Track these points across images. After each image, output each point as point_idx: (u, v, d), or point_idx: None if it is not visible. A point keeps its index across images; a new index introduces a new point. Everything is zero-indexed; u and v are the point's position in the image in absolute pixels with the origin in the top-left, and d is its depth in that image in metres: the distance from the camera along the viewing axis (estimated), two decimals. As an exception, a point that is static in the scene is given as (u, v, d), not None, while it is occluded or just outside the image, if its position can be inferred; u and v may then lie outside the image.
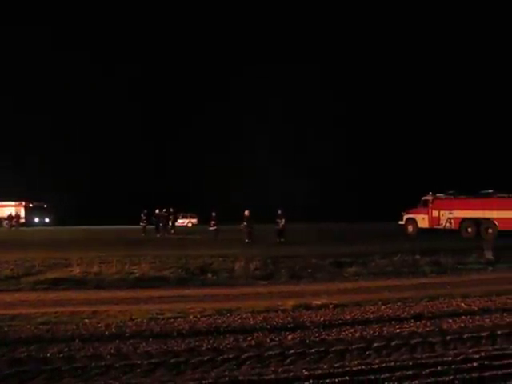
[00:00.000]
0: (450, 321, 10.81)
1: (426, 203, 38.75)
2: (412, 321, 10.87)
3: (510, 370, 7.45)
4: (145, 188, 67.05)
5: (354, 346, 8.89)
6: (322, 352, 8.61)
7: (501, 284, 15.80)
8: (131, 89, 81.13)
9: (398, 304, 12.61)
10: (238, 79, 77.67)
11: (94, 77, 77.04)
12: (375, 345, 8.98)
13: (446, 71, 78.23)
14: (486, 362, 7.83)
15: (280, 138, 75.11)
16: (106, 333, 9.88)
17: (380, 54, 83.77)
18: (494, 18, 76.97)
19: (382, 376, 7.23)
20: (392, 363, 7.91)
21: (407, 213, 40.14)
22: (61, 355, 8.43)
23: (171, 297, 14.08)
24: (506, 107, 69.08)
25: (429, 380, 7.07)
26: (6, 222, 58.32)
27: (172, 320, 11.00)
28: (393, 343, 9.08)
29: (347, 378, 7.17)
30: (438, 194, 38.91)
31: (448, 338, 9.43)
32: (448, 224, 37.23)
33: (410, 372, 7.38)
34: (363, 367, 7.70)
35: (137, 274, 17.18)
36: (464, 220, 36.47)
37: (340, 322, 10.83)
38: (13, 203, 63.11)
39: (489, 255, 21.43)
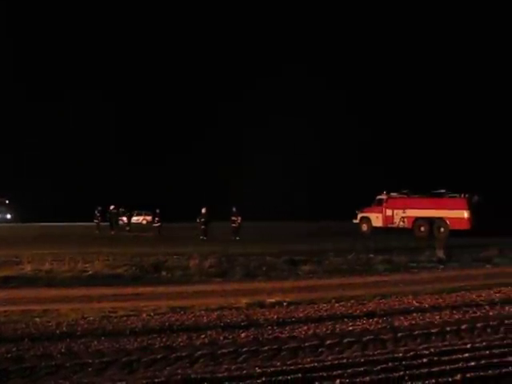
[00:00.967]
0: (402, 318, 11.02)
1: (380, 202, 39.16)
2: (364, 318, 11.02)
3: (458, 365, 7.61)
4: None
5: (306, 344, 8.96)
6: (275, 349, 8.65)
7: (451, 282, 16.19)
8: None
9: (351, 302, 12.77)
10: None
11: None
12: (328, 342, 9.06)
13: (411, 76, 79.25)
14: (435, 358, 7.98)
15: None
16: (57, 332, 9.72)
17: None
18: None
19: (335, 373, 7.28)
20: (344, 360, 8.00)
21: (361, 211, 40.54)
22: (9, 355, 8.23)
23: (125, 295, 13.93)
24: (462, 106, 70.45)
25: (380, 376, 7.16)
26: None
27: (125, 318, 10.89)
28: (345, 340, 9.19)
29: (300, 375, 7.20)
30: (391, 193, 39.43)
31: (399, 334, 9.60)
32: (401, 223, 37.75)
33: (362, 368, 7.46)
34: (316, 364, 7.76)
35: (90, 272, 16.94)
36: (417, 219, 37.07)
37: (293, 319, 10.92)
38: None
39: (440, 254, 21.88)
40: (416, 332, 9.76)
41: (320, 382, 7.01)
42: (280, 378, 7.12)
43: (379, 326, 10.32)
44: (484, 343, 9.01)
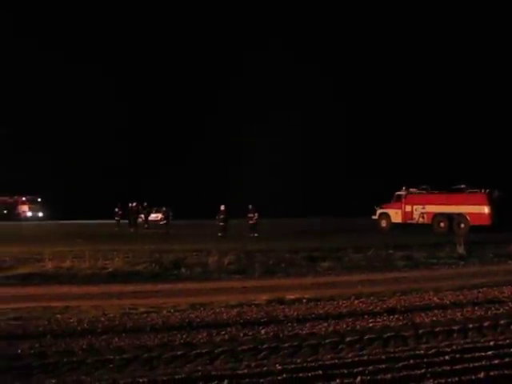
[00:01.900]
0: (423, 315, 10.92)
1: (399, 198, 39.02)
2: (385, 315, 10.95)
3: (481, 363, 7.53)
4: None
5: (327, 341, 8.91)
6: (296, 346, 8.62)
7: (472, 278, 16.00)
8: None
9: (371, 298, 12.70)
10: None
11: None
12: (348, 339, 9.01)
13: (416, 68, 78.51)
14: (457, 355, 7.90)
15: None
16: (79, 328, 9.77)
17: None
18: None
19: (356, 370, 7.24)
20: (365, 357, 7.95)
21: (381, 208, 40.39)
22: (32, 351, 8.31)
23: (144, 292, 14.00)
24: (480, 103, 69.65)
25: (401, 374, 7.11)
26: None
27: (145, 315, 10.93)
28: (366, 337, 9.13)
29: (320, 371, 7.17)
30: (411, 189, 39.23)
31: (420, 331, 9.51)
32: (421, 219, 37.55)
33: (383, 366, 7.41)
34: (336, 361, 7.72)
35: (110, 269, 17.03)
36: (437, 215, 36.80)
37: (313, 316, 10.87)
38: None
39: (461, 250, 21.68)
40: (437, 329, 9.66)
41: (341, 379, 6.96)
42: (301, 374, 7.10)
43: (400, 323, 10.24)
44: (507, 341, 8.87)
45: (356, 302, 12.34)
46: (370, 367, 7.35)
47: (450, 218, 36.05)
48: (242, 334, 9.38)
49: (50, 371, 7.43)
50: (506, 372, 7.19)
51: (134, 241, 28.21)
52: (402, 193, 39.05)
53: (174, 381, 6.92)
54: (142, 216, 42.63)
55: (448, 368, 7.33)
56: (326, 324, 10.16)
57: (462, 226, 35.08)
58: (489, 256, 21.53)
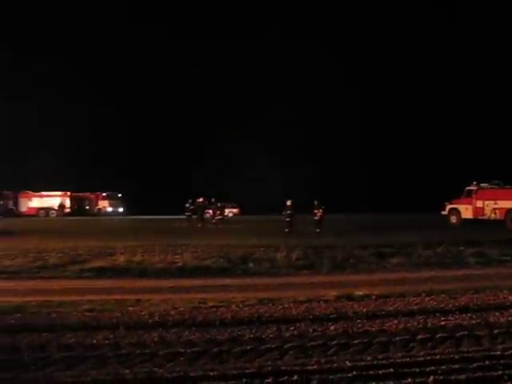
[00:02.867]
0: (497, 314, 10.57)
1: (469, 193, 37.98)
2: (457, 313, 10.67)
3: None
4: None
5: (397, 338, 8.77)
6: (365, 343, 8.52)
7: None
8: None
9: (443, 296, 12.40)
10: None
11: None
12: (419, 337, 8.84)
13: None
14: (535, 357, 7.63)
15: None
16: (150, 321, 9.99)
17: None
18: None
19: (428, 369, 7.09)
20: (437, 356, 7.77)
21: (450, 203, 39.45)
22: (106, 342, 8.57)
23: (213, 286, 14.17)
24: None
25: (476, 374, 6.92)
26: (52, 211, 60.53)
27: (214, 309, 11.06)
28: (438, 336, 8.92)
29: (391, 370, 7.07)
30: (482, 184, 38.10)
31: (495, 331, 9.20)
32: (493, 215, 36.42)
33: (457, 366, 7.23)
34: (408, 359, 7.59)
35: (179, 264, 17.33)
36: (509, 211, 35.60)
37: (383, 313, 10.73)
38: (58, 193, 64.39)
39: (535, 247, 20.93)
40: (513, 329, 9.36)
41: (413, 378, 6.84)
42: (371, 372, 7.02)
43: (473, 322, 9.96)
44: None
45: (427, 299, 12.09)
46: (443, 367, 7.18)
47: (523, 213, 34.83)
48: (311, 330, 9.36)
49: (124, 362, 7.63)
50: None
51: (202, 236, 28.57)
52: (473, 188, 37.99)
53: (245, 375, 6.97)
54: (210, 211, 43.22)
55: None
56: (396, 321, 10.00)
57: (537, 222, 33.84)
58: None
